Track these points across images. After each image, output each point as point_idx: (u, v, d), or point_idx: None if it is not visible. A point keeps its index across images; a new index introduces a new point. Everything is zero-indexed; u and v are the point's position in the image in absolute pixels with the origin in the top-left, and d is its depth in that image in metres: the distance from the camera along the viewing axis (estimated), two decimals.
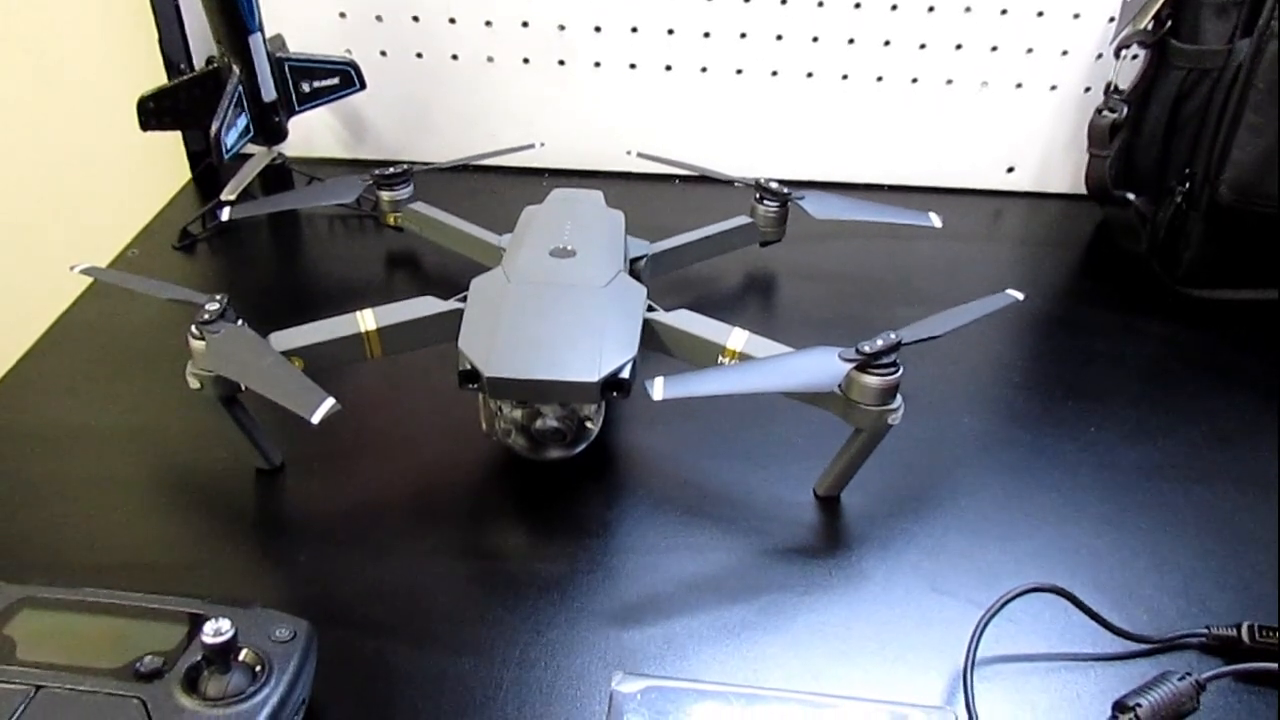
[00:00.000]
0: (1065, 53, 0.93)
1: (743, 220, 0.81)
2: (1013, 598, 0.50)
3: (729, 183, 0.85)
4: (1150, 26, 0.80)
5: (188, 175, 0.98)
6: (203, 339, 0.53)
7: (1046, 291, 0.85)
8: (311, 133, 0.99)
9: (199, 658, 0.41)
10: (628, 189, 0.96)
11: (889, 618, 0.53)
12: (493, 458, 0.63)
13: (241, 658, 0.42)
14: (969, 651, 0.48)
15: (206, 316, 0.54)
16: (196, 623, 0.44)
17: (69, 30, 0.89)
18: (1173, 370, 0.75)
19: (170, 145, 0.96)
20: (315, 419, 0.47)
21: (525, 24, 0.93)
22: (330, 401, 0.48)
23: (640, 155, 0.91)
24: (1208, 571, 0.57)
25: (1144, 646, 0.51)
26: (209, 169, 0.98)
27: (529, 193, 0.78)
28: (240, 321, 0.55)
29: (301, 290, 0.83)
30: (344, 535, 0.57)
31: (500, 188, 0.96)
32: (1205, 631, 0.51)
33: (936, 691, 0.49)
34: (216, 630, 0.40)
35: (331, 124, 1.00)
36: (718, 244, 0.80)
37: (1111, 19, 0.90)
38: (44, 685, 0.41)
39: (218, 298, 0.55)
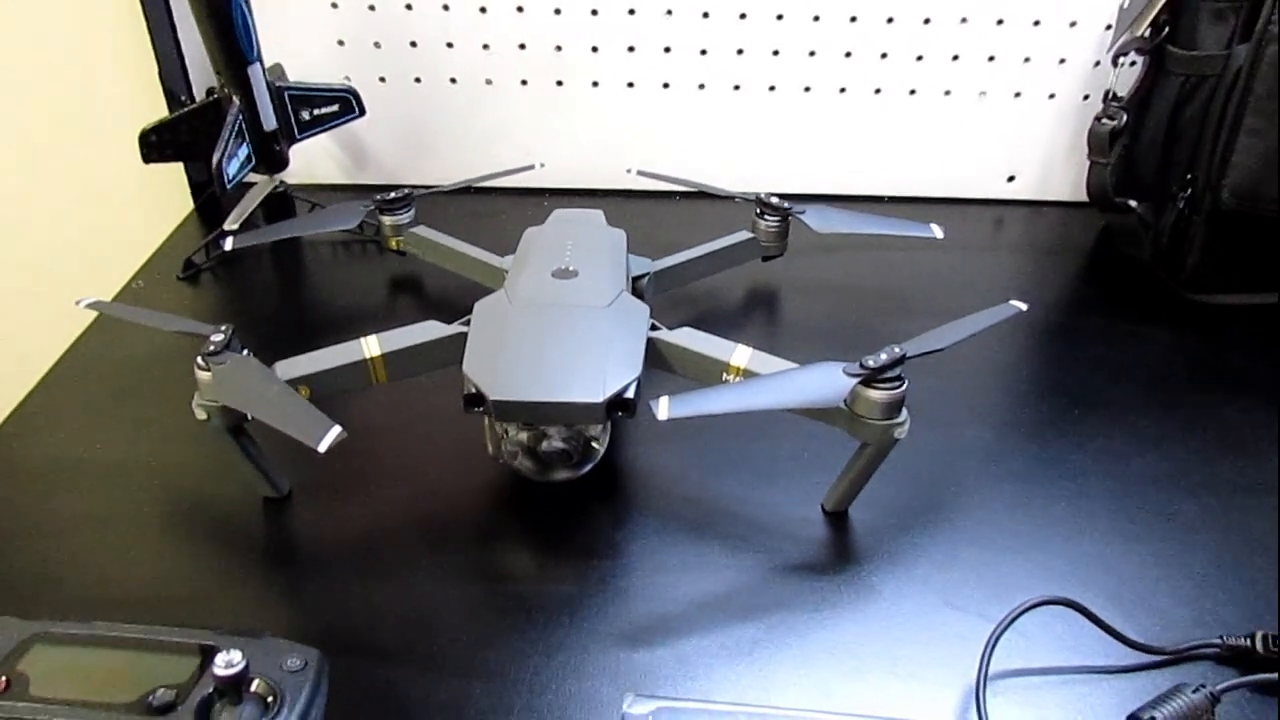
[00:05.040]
0: (1063, 61, 0.93)
1: (744, 235, 0.81)
2: (1023, 611, 0.50)
3: (729, 198, 0.85)
4: (1148, 33, 0.80)
5: (190, 205, 0.98)
6: (209, 370, 0.54)
7: (1050, 299, 0.85)
8: (312, 160, 0.99)
9: (211, 690, 0.41)
10: (628, 207, 0.96)
11: (900, 634, 0.53)
12: (499, 480, 0.63)
13: (254, 688, 0.42)
14: (981, 666, 0.48)
15: (212, 348, 0.54)
16: (207, 654, 0.44)
17: (70, 65, 0.90)
18: (1179, 376, 0.75)
19: (172, 176, 0.97)
20: (322, 448, 0.47)
21: (522, 46, 0.94)
22: (337, 430, 0.48)
23: (640, 173, 0.92)
24: (1220, 580, 0.57)
25: (1157, 658, 0.51)
26: (211, 199, 0.98)
27: (530, 213, 0.79)
28: (246, 352, 0.55)
29: (306, 317, 0.83)
30: (352, 562, 0.57)
31: (501, 209, 0.96)
32: (1219, 642, 0.51)
33: (950, 707, 0.49)
34: (228, 662, 0.40)
35: (332, 150, 1.00)
36: (719, 260, 0.80)
37: (1108, 26, 0.90)
38: None
39: (223, 328, 0.55)
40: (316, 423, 0.48)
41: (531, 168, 0.91)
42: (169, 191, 0.97)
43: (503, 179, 0.89)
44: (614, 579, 0.56)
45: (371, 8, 0.92)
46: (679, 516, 0.60)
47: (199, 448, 0.64)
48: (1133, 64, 0.84)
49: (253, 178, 0.89)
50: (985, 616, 0.53)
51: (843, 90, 0.95)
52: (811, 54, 0.93)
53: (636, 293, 0.70)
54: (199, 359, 0.54)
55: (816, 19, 0.91)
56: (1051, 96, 0.95)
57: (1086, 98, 0.95)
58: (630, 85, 0.96)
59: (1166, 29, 0.80)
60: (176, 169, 0.97)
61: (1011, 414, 0.71)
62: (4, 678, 0.43)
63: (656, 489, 0.63)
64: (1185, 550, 0.59)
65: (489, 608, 0.54)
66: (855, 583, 0.56)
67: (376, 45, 0.94)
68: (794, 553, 0.58)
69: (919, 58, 0.93)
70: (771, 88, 0.95)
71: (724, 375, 0.58)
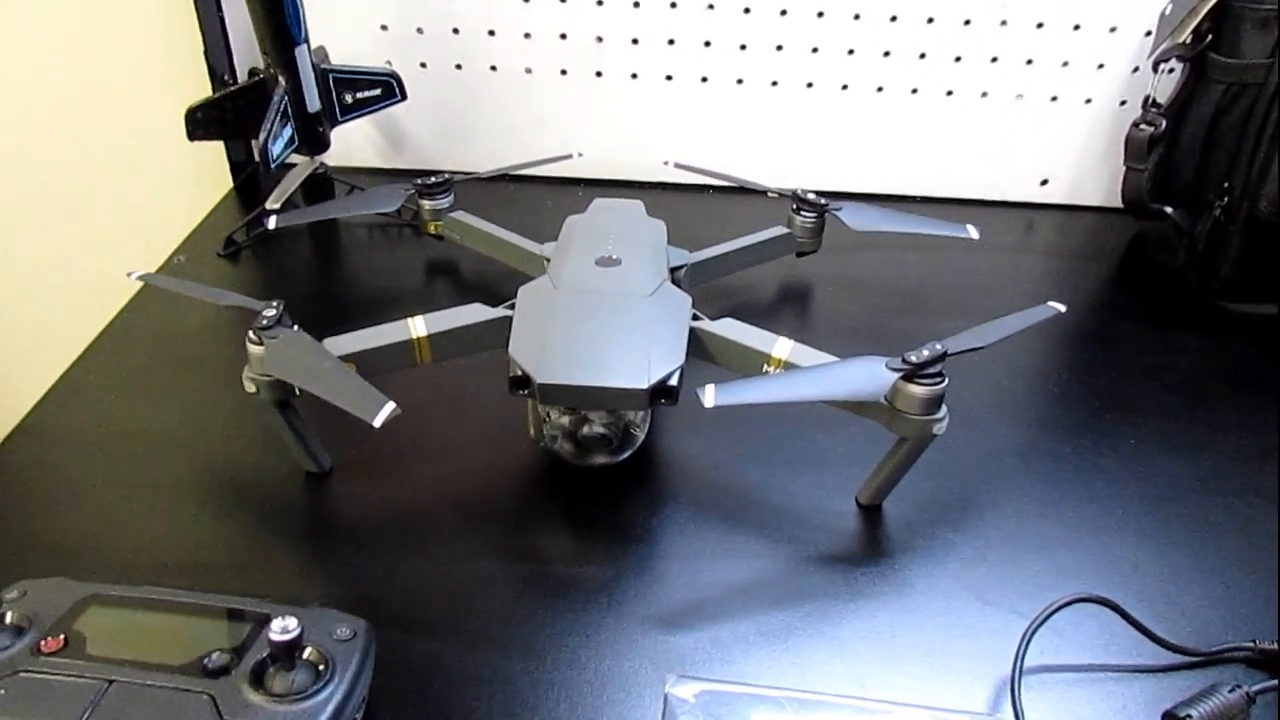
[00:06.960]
0: (1101, 66, 0.93)
1: (780, 230, 0.82)
2: (1060, 607, 0.50)
3: (764, 193, 0.86)
4: (1189, 40, 0.80)
5: (230, 184, 0.99)
6: (261, 344, 0.54)
7: (1082, 304, 0.85)
8: (350, 143, 1.00)
9: (265, 654, 0.42)
10: (664, 199, 0.96)
11: (934, 626, 0.54)
12: (537, 464, 0.64)
13: (306, 655, 0.43)
14: (1016, 660, 0.49)
15: (265, 322, 0.55)
16: (260, 621, 0.45)
17: (117, 43, 0.91)
18: (1210, 384, 0.75)
19: (213, 156, 0.98)
20: (377, 423, 0.48)
21: (563, 36, 0.94)
22: (391, 405, 0.49)
23: (677, 166, 0.92)
24: (1250, 584, 0.57)
25: (1190, 659, 0.52)
26: (250, 178, 0.99)
27: (566, 202, 0.79)
28: (296, 327, 0.56)
29: (344, 297, 0.84)
30: (393, 538, 0.58)
31: (537, 197, 0.97)
32: (1252, 645, 0.52)
33: (982, 700, 0.50)
34: (284, 628, 0.41)
35: (370, 134, 1.01)
36: (755, 254, 0.81)
37: (1148, 33, 0.90)
38: (115, 680, 0.42)
39: (274, 304, 0.56)
40: (371, 398, 0.49)
41: (570, 157, 0.92)
42: (209, 170, 0.98)
43: (539, 168, 0.90)
44: (650, 563, 0.57)
45: None
46: (714, 504, 0.61)
47: (241, 419, 0.66)
48: (1171, 71, 0.84)
49: (293, 158, 0.90)
50: (1017, 612, 0.54)
51: (880, 89, 0.96)
52: (850, 52, 0.94)
53: (674, 283, 0.71)
54: (251, 333, 0.55)
55: (857, 17, 0.91)
56: (1088, 101, 0.95)
57: (1123, 103, 0.95)
58: (669, 78, 0.96)
59: (1209, 36, 0.80)
60: (216, 148, 0.98)
61: (1044, 415, 0.71)
62: (61, 636, 0.44)
63: (692, 477, 0.63)
64: (1215, 555, 0.59)
65: (527, 586, 0.55)
66: (889, 575, 0.57)
67: (419, 31, 0.95)
68: (828, 543, 0.59)
69: (957, 59, 0.93)
70: (809, 85, 0.96)
71: (764, 366, 0.59)
